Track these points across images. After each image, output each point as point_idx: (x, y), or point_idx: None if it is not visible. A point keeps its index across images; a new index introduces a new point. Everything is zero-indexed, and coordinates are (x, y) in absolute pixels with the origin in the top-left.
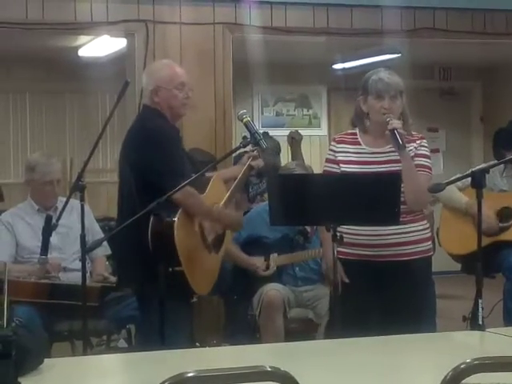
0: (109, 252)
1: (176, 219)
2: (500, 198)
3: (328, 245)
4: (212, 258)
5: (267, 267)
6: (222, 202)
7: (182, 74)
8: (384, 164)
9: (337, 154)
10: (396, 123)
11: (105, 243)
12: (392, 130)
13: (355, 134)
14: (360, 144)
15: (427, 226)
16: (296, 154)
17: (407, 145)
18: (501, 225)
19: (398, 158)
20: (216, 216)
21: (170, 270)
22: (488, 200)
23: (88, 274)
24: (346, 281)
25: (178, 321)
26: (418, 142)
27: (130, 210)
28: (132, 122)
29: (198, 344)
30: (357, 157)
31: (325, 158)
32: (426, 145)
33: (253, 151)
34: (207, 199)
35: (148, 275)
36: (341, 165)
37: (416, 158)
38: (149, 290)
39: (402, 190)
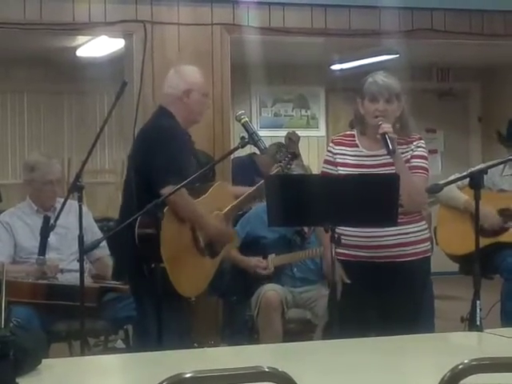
0: (107, 253)
1: (163, 215)
2: (499, 198)
3: (328, 247)
4: (205, 261)
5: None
6: (226, 210)
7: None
8: (381, 167)
9: (335, 156)
10: (387, 127)
11: (104, 244)
12: (383, 135)
13: (353, 135)
14: (358, 146)
15: (425, 226)
16: None
17: (405, 146)
18: (505, 225)
19: None
20: (201, 222)
21: (153, 265)
22: (487, 200)
23: (86, 275)
24: (347, 281)
25: (171, 320)
26: (415, 143)
27: (129, 208)
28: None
29: (195, 344)
30: (354, 159)
31: (323, 159)
32: (423, 145)
33: (278, 166)
34: (205, 204)
35: (140, 273)
36: (339, 167)
37: (412, 160)
38: (141, 288)
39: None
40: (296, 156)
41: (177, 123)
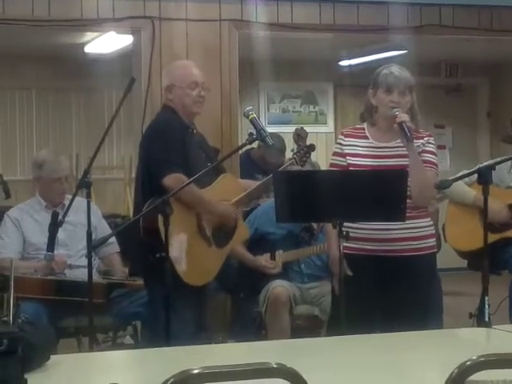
0: (117, 249)
1: (172, 210)
2: (507, 194)
3: (333, 240)
4: (211, 251)
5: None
6: (234, 200)
7: (196, 73)
8: (391, 158)
9: (344, 148)
10: (404, 116)
11: (114, 240)
12: (400, 123)
13: (363, 128)
14: (368, 138)
15: (431, 222)
16: None
17: (415, 141)
18: None
19: (406, 152)
20: (205, 204)
21: (158, 255)
22: (495, 196)
23: (94, 271)
24: (349, 273)
25: (182, 308)
26: (425, 138)
27: (140, 203)
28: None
29: (219, 339)
30: (364, 150)
31: (332, 152)
32: (433, 142)
33: (291, 159)
34: (212, 193)
35: (149, 263)
36: (348, 157)
37: (423, 155)
38: (150, 277)
39: (408, 184)
40: (313, 149)
41: (177, 117)
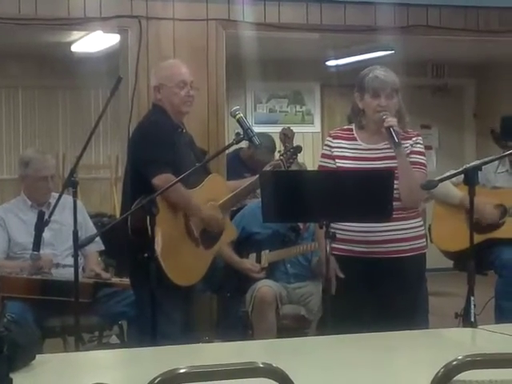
0: (102, 248)
1: (158, 210)
2: (493, 195)
3: (323, 241)
4: (199, 252)
5: (261, 268)
6: (221, 201)
7: (184, 72)
8: (380, 160)
9: (333, 150)
10: (392, 121)
11: (98, 239)
12: (388, 128)
13: (351, 129)
14: (356, 140)
15: (421, 222)
16: None
17: (403, 142)
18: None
19: (394, 154)
20: (192, 207)
21: (146, 255)
22: (482, 197)
23: (80, 270)
24: (341, 276)
25: (168, 309)
26: (413, 139)
27: (127, 203)
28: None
29: (207, 338)
30: (353, 152)
31: (320, 154)
32: (421, 142)
33: (278, 160)
34: (198, 195)
35: (136, 264)
36: (336, 160)
37: (411, 156)
38: (139, 278)
39: (397, 186)
40: (300, 150)
41: (167, 116)
